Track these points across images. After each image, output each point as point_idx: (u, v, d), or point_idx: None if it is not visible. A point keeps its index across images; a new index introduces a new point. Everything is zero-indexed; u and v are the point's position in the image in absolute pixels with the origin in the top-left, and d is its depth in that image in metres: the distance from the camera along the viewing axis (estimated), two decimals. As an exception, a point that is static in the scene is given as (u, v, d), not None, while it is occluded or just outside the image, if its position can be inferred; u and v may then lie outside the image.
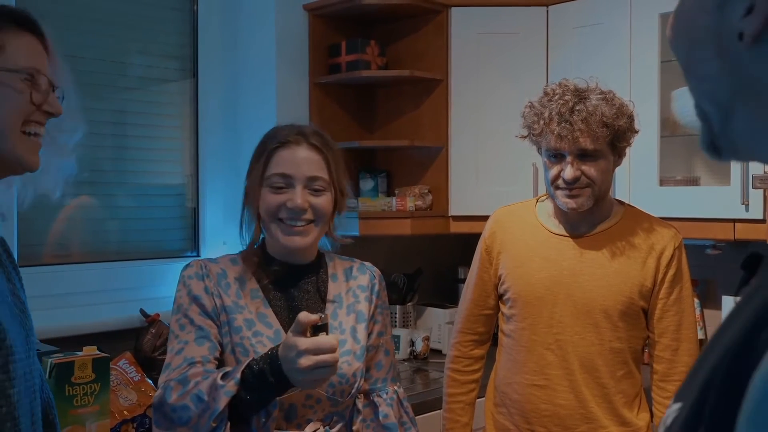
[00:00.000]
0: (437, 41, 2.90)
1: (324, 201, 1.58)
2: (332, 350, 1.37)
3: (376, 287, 1.70)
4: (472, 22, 2.85)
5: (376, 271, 1.73)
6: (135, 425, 2.02)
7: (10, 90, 1.16)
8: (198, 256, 2.87)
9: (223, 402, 1.37)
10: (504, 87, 2.81)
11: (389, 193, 3.06)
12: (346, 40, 2.92)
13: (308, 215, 1.56)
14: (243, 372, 1.40)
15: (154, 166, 2.83)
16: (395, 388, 1.70)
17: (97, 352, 1.85)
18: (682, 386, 0.63)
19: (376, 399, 1.65)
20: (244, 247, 1.63)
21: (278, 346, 1.41)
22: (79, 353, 1.82)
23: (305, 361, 1.34)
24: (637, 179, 2.56)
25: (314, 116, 2.93)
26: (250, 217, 1.61)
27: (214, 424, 1.38)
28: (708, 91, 0.63)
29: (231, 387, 1.38)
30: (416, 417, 2.52)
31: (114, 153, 2.72)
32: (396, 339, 3.05)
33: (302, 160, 1.56)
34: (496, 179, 2.83)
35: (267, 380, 1.39)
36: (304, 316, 1.37)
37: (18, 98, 1.16)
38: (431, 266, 3.33)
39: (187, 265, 1.60)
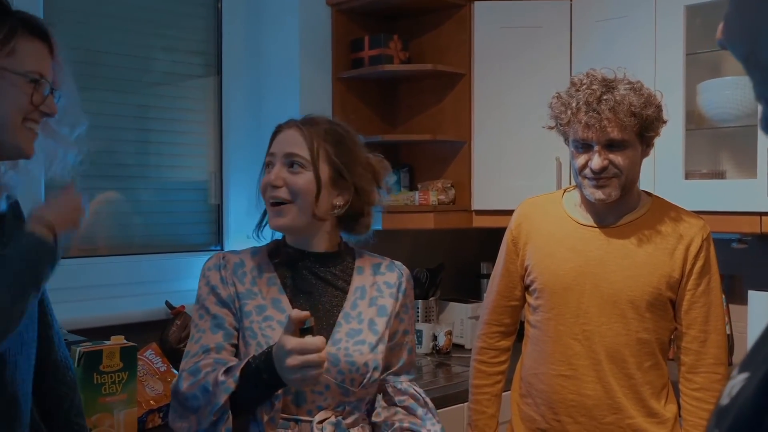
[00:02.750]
0: (460, 35, 2.90)
1: (299, 179, 1.55)
2: (318, 350, 1.38)
3: (404, 285, 1.68)
4: (495, 16, 2.85)
5: (405, 270, 1.71)
6: (161, 415, 2.03)
7: (17, 90, 1.31)
8: (222, 249, 2.89)
9: (222, 398, 1.41)
10: (527, 81, 2.81)
11: (412, 187, 3.06)
12: (369, 35, 2.92)
13: (283, 193, 1.55)
14: (243, 369, 1.43)
15: (180, 161, 2.85)
16: (409, 378, 1.70)
17: (125, 341, 1.86)
18: (747, 356, 0.60)
19: (390, 390, 1.65)
20: (257, 235, 1.68)
21: (274, 344, 1.44)
22: (107, 342, 1.84)
23: (292, 360, 1.37)
24: (662, 173, 2.54)
25: (337, 111, 2.94)
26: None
27: (214, 418, 1.42)
28: None
29: (230, 384, 1.42)
30: (438, 411, 2.54)
31: (140, 148, 2.74)
32: (418, 334, 3.05)
33: (284, 138, 1.59)
34: (519, 173, 2.82)
35: (261, 377, 1.42)
36: (296, 313, 1.40)
37: (21, 98, 1.32)
38: (454, 261, 3.32)
39: (209, 258, 1.64)
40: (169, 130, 2.81)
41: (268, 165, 1.60)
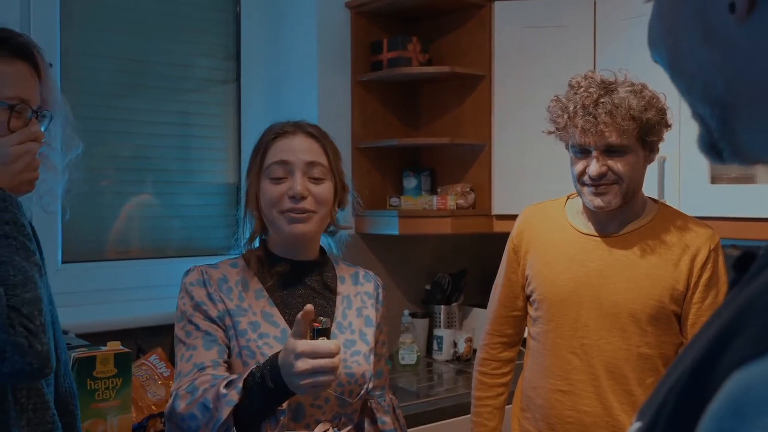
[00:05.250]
0: (480, 37, 2.84)
1: (324, 189, 1.56)
2: (331, 355, 1.32)
3: (380, 296, 1.69)
4: (516, 17, 2.77)
5: (379, 280, 1.72)
6: (163, 420, 2.04)
7: None
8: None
9: (225, 412, 1.34)
10: (549, 83, 2.70)
11: (433, 191, 3.01)
12: (387, 38, 2.89)
13: (309, 204, 1.53)
14: (245, 380, 1.37)
15: (198, 165, 2.86)
16: (391, 396, 1.70)
17: (121, 347, 1.87)
18: (645, 403, 0.57)
19: (374, 406, 1.63)
20: (243, 245, 1.62)
21: (280, 351, 1.38)
22: (102, 348, 1.85)
23: (302, 364, 1.30)
24: (687, 177, 2.43)
25: (356, 114, 2.91)
26: (251, 214, 1.59)
27: None
28: (699, 89, 0.56)
29: (233, 396, 1.35)
30: (456, 418, 2.51)
31: (159, 153, 2.77)
32: (439, 340, 3.00)
33: (299, 146, 1.55)
34: (541, 177, 2.74)
35: (267, 386, 1.35)
36: (303, 313, 1.34)
37: None
38: (477, 266, 3.26)
39: (187, 272, 1.58)
40: (188, 135, 2.83)
41: (274, 172, 1.53)
